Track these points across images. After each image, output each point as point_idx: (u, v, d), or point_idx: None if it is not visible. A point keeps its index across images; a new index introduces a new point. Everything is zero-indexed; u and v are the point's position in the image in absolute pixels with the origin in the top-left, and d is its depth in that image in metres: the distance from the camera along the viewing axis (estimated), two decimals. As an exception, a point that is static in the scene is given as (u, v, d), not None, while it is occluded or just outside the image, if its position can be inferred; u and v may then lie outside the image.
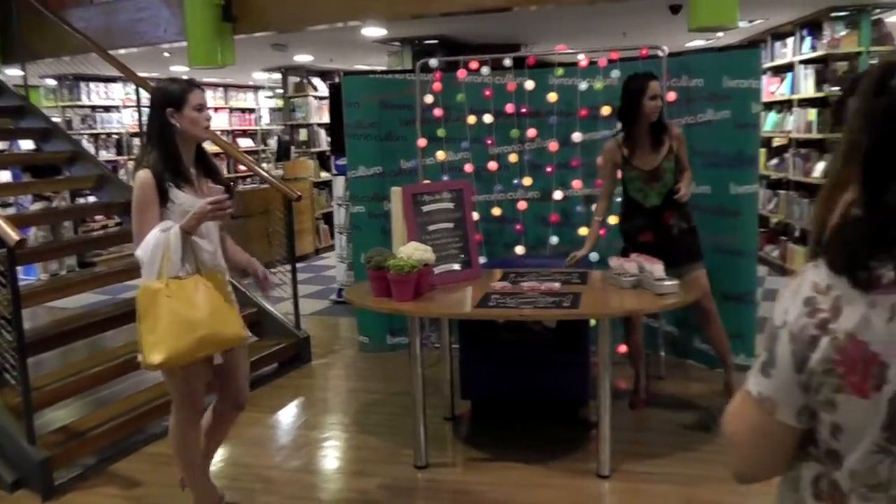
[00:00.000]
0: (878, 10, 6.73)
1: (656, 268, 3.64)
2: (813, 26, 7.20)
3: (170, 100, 2.82)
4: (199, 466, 3.14)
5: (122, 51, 6.65)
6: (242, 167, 9.53)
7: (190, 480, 3.14)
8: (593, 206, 4.55)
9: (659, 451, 3.85)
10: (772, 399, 1.05)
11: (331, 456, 4.05)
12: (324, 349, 5.76)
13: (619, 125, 4.13)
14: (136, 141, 9.84)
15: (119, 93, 10.64)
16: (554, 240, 5.04)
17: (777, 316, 1.05)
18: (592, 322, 4.01)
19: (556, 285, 3.69)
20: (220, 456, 4.00)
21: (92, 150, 9.97)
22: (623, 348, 4.88)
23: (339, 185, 7.02)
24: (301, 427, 4.45)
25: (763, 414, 1.07)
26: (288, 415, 4.67)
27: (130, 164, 10.63)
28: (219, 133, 11.66)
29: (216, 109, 12.51)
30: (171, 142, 2.83)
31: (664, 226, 4.08)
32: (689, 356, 5.10)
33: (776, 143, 8.36)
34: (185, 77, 2.98)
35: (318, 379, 5.30)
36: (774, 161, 8.22)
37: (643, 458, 3.80)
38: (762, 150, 8.04)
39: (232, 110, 12.88)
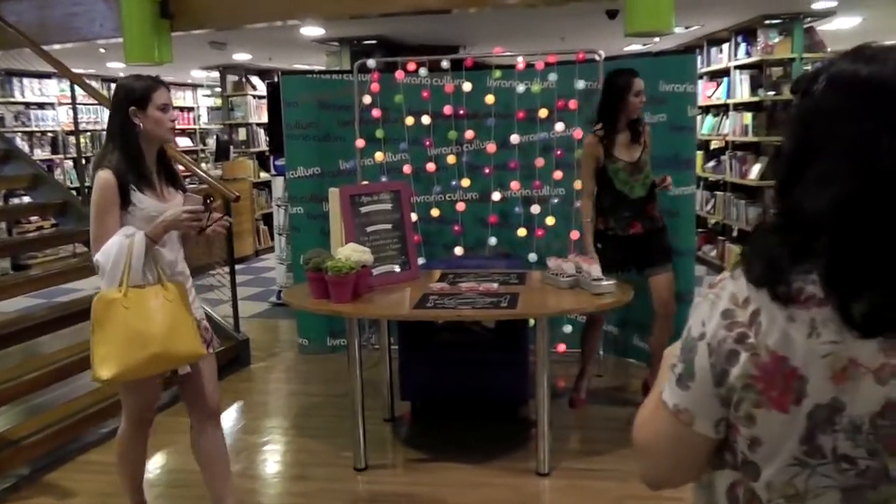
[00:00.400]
0: (809, 19, 6.97)
1: (594, 268, 3.69)
2: (748, 33, 7.41)
3: (133, 98, 2.67)
4: (137, 482, 3.08)
5: (56, 46, 6.45)
6: (181, 167, 9.35)
7: (126, 493, 3.08)
8: (577, 204, 4.55)
9: (598, 447, 3.91)
10: (689, 411, 1.03)
11: (270, 460, 4.00)
12: (263, 352, 5.69)
13: (597, 120, 4.13)
14: (73, 139, 9.55)
15: (54, 89, 10.33)
16: (492, 241, 5.07)
17: (694, 327, 1.03)
18: (531, 322, 4.05)
19: (495, 286, 3.71)
20: (156, 463, 3.93)
21: (26, 148, 9.65)
22: (562, 347, 4.94)
23: (279, 185, 6.94)
24: (240, 431, 4.38)
25: (679, 425, 1.04)
26: (227, 419, 4.58)
27: (67, 164, 10.34)
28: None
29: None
30: (133, 142, 2.67)
31: (650, 218, 4.13)
32: (628, 354, 5.19)
33: (713, 145, 8.57)
34: (149, 74, 2.84)
35: (257, 382, 5.23)
36: (712, 163, 8.41)
37: (583, 455, 3.87)
38: (700, 153, 8.24)
39: (170, 109, 12.65)
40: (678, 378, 1.04)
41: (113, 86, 11.00)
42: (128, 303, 2.56)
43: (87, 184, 9.28)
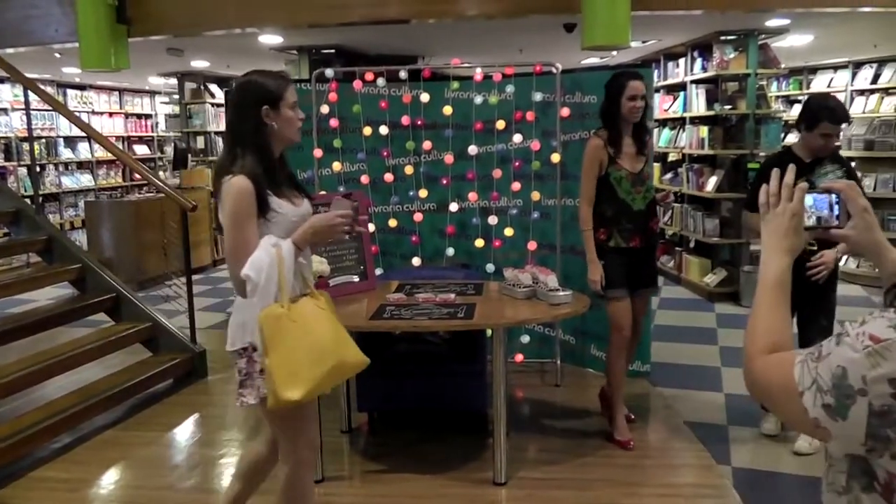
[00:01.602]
0: (763, 36, 7.13)
1: (550, 279, 3.73)
2: (704, 48, 7.55)
3: (266, 97, 2.46)
4: None
5: (10, 50, 6.33)
6: (137, 176, 9.22)
7: None
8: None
9: (555, 457, 3.93)
10: (829, 431, 1.05)
11: (226, 474, 3.94)
12: (221, 364, 5.60)
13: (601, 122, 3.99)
14: (26, 146, 9.34)
15: (7, 94, 10.10)
16: (450, 251, 5.09)
17: (852, 375, 1.00)
18: (489, 332, 4.06)
19: (452, 296, 3.72)
20: (110, 478, 3.86)
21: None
22: (519, 357, 4.97)
23: (238, 194, 6.86)
24: (196, 445, 4.33)
25: (810, 425, 1.07)
26: (182, 433, 4.52)
27: (21, 171, 10.10)
28: (114, 140, 11.29)
29: (111, 114, 12.07)
30: (267, 145, 2.49)
31: (651, 233, 4.00)
32: (586, 364, 5.24)
33: (671, 158, 8.70)
34: (276, 70, 2.64)
35: (214, 395, 5.16)
36: (669, 175, 8.54)
37: (539, 464, 3.88)
38: (657, 165, 8.37)
39: (127, 116, 12.42)
40: (826, 406, 1.04)
41: (71, 91, 10.93)
42: (294, 316, 2.36)
43: (42, 191, 9.15)
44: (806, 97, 5.39)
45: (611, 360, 4.08)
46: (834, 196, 1.36)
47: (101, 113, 11.84)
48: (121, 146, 11.87)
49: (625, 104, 3.80)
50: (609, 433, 4.10)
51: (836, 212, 1.36)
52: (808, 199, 1.34)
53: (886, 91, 8.95)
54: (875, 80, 9.09)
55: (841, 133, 3.78)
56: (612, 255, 3.92)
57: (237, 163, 2.42)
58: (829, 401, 1.03)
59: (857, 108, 9.19)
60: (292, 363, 2.32)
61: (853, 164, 7.48)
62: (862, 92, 9.25)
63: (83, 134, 9.60)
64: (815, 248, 3.58)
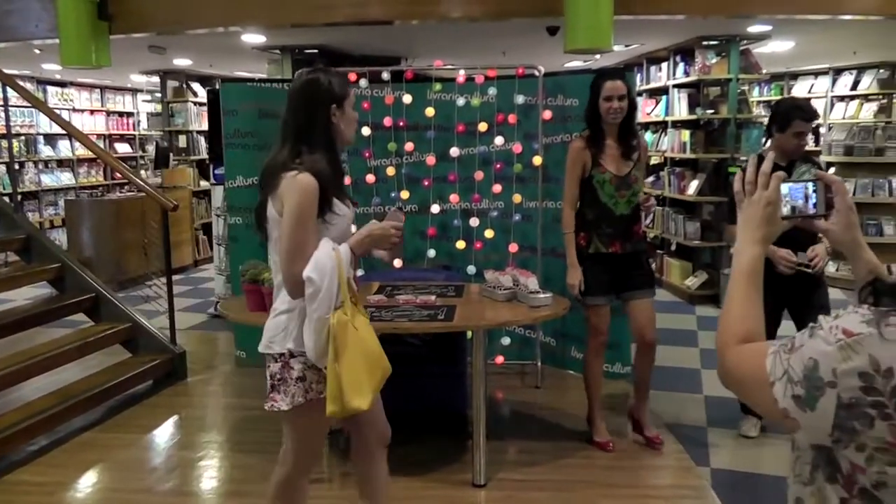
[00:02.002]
0: (745, 41, 7.20)
1: (530, 280, 3.74)
2: (686, 53, 7.60)
3: (334, 96, 2.44)
4: None
5: (-13, 45, 6.27)
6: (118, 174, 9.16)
7: None
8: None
9: (534, 458, 3.94)
10: (797, 422, 1.06)
11: (205, 476, 3.93)
12: (201, 365, 5.59)
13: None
14: (4, 143, 9.24)
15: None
16: (431, 253, 5.09)
17: (823, 367, 1.01)
18: (469, 334, 4.07)
19: (432, 298, 3.73)
20: (87, 481, 3.82)
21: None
22: (500, 359, 4.97)
23: (218, 195, 6.83)
24: (175, 447, 4.29)
25: (779, 415, 1.08)
26: (162, 435, 4.49)
27: (0, 168, 9.99)
28: (95, 137, 11.19)
29: (92, 112, 11.97)
30: (334, 144, 2.46)
31: (635, 238, 3.91)
32: (566, 366, 5.25)
33: (653, 161, 8.74)
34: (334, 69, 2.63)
35: (193, 396, 5.13)
36: (651, 178, 8.58)
37: (519, 465, 3.89)
38: (638, 168, 8.39)
39: (109, 113, 12.32)
40: (796, 397, 1.05)
41: (51, 88, 10.82)
42: (356, 323, 2.35)
43: (21, 189, 9.02)
44: (774, 102, 5.41)
45: (587, 362, 4.08)
46: (811, 185, 1.36)
47: (83, 110, 11.72)
48: (102, 144, 11.78)
49: (602, 105, 3.76)
50: (590, 436, 4.11)
51: (812, 201, 1.36)
52: (784, 189, 1.33)
53: (866, 97, 9.06)
54: (855, 86, 9.19)
55: (810, 132, 3.83)
56: (590, 261, 3.87)
57: (303, 160, 2.37)
58: (800, 392, 1.04)
59: (837, 114, 9.29)
60: (356, 371, 2.32)
61: (832, 168, 7.57)
62: (842, 98, 9.36)
63: (64, 131, 9.53)
64: (810, 269, 3.61)
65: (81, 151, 11.21)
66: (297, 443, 2.58)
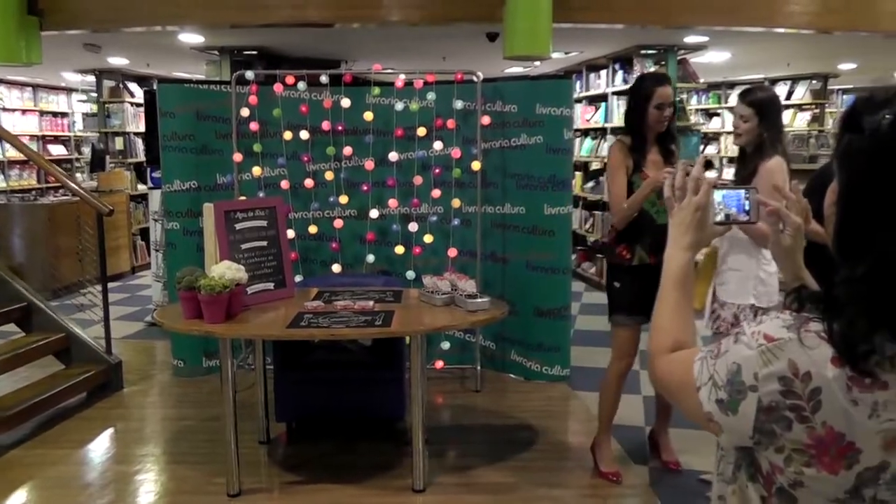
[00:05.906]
0: (682, 51, 7.37)
1: (468, 284, 3.75)
2: (625, 61, 7.76)
3: None
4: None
5: None
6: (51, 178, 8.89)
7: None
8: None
9: (474, 462, 3.95)
10: (720, 425, 1.08)
11: (141, 490, 3.81)
12: (137, 375, 5.44)
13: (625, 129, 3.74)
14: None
15: None
16: (370, 258, 5.07)
17: (745, 371, 1.03)
18: (408, 339, 4.06)
19: (371, 304, 3.71)
20: (14, 502, 3.68)
21: None
22: (439, 364, 4.97)
23: (156, 199, 6.68)
24: (110, 461, 4.15)
25: (704, 419, 1.10)
26: (96, 449, 4.34)
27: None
28: (27, 139, 10.84)
29: (24, 112, 11.59)
30: None
31: None
32: (506, 369, 5.28)
33: (592, 167, 8.86)
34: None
35: (129, 408, 4.98)
36: (591, 184, 8.69)
37: (458, 470, 3.90)
38: (579, 174, 8.52)
39: (42, 114, 11.94)
40: (719, 401, 1.06)
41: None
42: None
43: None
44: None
45: (607, 383, 3.79)
46: (744, 192, 1.37)
47: (14, 110, 11.33)
48: (35, 146, 11.42)
49: (651, 112, 3.51)
50: (595, 466, 3.86)
51: (746, 208, 1.37)
52: (718, 196, 1.34)
53: (800, 107, 9.35)
54: (789, 96, 9.48)
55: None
56: (631, 275, 3.60)
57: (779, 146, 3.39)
58: (723, 396, 1.06)
59: (770, 121, 9.55)
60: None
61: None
62: (776, 106, 9.62)
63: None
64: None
65: (12, 153, 10.85)
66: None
